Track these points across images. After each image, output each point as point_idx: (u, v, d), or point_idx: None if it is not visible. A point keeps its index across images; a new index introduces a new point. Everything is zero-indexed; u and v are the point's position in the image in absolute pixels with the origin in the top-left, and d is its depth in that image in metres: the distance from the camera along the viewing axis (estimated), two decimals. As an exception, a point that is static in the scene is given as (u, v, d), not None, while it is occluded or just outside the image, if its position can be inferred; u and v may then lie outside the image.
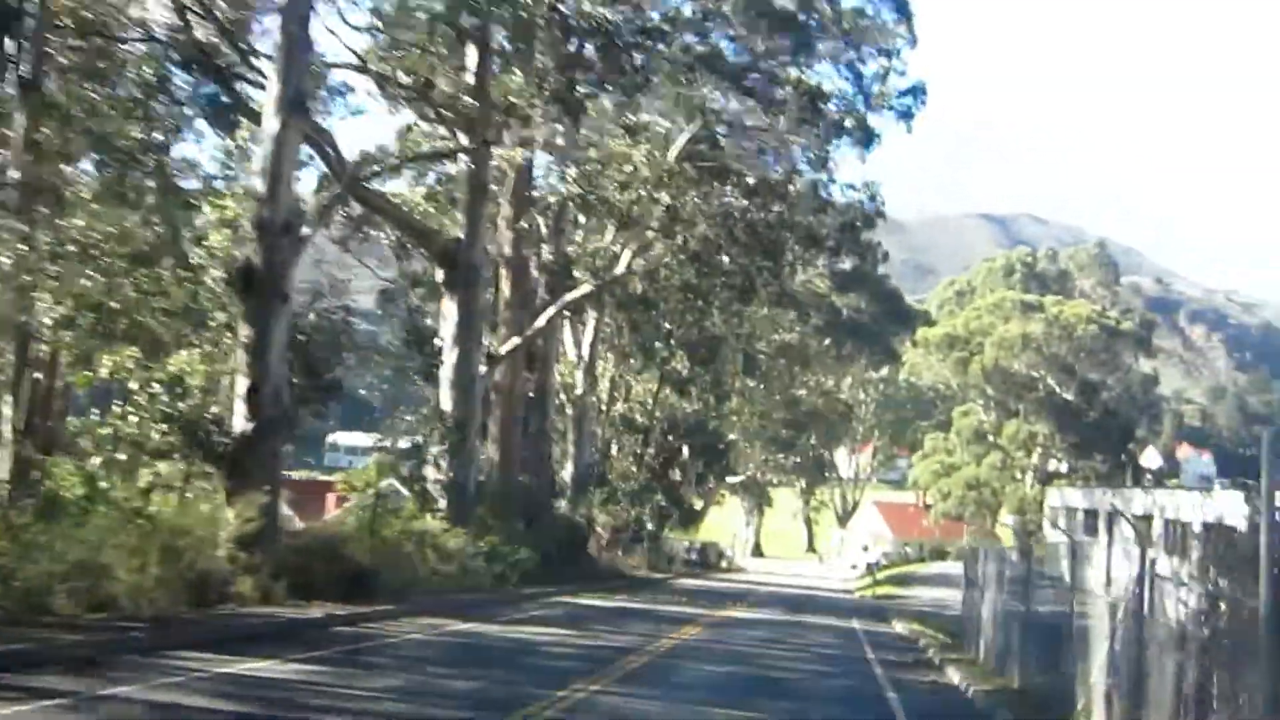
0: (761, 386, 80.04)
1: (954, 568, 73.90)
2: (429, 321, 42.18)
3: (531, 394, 45.88)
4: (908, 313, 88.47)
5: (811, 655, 24.32)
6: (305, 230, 26.17)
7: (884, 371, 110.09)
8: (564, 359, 53.22)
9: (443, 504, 34.88)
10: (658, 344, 54.76)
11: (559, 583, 37.85)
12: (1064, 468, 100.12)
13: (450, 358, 35.98)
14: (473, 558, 33.44)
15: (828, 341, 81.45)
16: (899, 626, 35.06)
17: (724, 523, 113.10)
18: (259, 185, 24.94)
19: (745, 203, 55.39)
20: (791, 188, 52.99)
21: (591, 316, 52.74)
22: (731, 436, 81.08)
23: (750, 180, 56.40)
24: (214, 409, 26.43)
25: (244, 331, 24.68)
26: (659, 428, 60.11)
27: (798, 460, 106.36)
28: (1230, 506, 40.56)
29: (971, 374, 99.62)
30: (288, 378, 25.50)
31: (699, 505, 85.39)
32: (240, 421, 24.25)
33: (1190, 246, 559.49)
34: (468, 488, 35.91)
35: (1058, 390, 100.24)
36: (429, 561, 31.23)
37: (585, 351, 52.56)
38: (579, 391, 51.92)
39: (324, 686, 13.73)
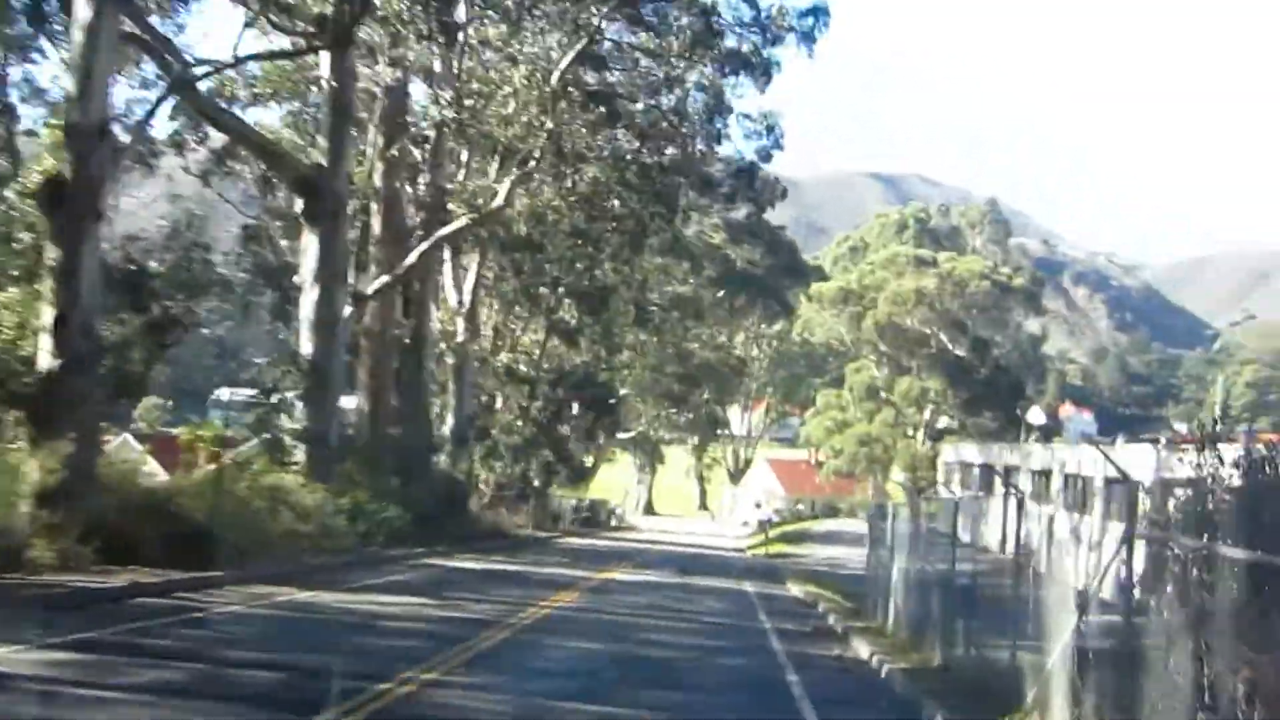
0: (654, 340, 77.27)
1: (847, 525, 71.96)
2: (292, 260, 38.37)
3: (408, 341, 42.45)
4: (802, 267, 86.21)
5: (700, 626, 21.42)
6: (124, 139, 22.42)
7: (777, 327, 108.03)
8: (444, 305, 49.73)
9: (301, 457, 31.49)
10: (544, 289, 51.43)
11: (433, 543, 34.78)
12: (955, 425, 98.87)
13: (310, 296, 32.34)
14: (333, 516, 30.13)
15: (721, 294, 78.89)
16: (795, 589, 32.45)
17: (616, 480, 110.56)
18: (70, 85, 21.30)
19: (637, 144, 52.41)
20: (685, 126, 50.11)
21: (474, 260, 49.27)
22: (623, 391, 78.23)
23: (642, 121, 53.55)
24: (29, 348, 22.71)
25: (51, 253, 21.06)
26: (546, 380, 56.88)
27: (690, 417, 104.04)
28: (1137, 460, 38.44)
29: (865, 330, 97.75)
30: (101, 308, 21.89)
31: (589, 462, 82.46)
32: (46, 358, 20.68)
33: (1074, 209, 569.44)
34: (328, 439, 32.35)
35: (950, 347, 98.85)
36: (282, 521, 27.81)
37: (466, 297, 49.05)
38: (460, 339, 48.44)
39: (65, 683, 10.39)
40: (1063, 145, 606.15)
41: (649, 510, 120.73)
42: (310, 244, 32.48)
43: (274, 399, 28.88)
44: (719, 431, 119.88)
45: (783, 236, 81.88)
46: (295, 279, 33.98)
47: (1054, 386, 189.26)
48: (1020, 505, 20.20)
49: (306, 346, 32.20)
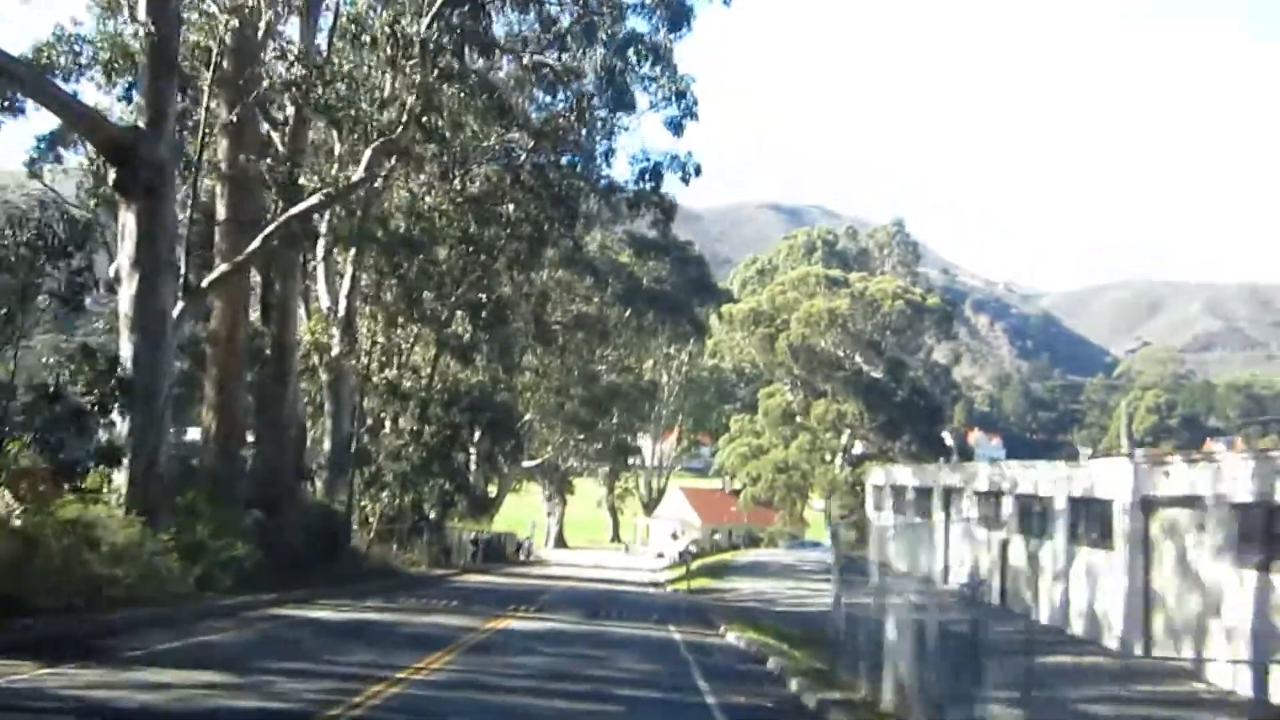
0: (558, 361, 70.93)
1: (769, 555, 65.53)
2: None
3: (269, 351, 35.73)
4: (712, 283, 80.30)
5: (617, 705, 15.04)
6: None
7: (687, 351, 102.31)
8: (317, 313, 43.03)
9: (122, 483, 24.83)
10: (427, 294, 44.89)
11: (298, 586, 28.33)
12: (873, 450, 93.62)
13: (128, 289, 25.65)
14: (160, 556, 23.54)
15: (629, 313, 72.80)
16: (732, 635, 26.05)
17: (524, 512, 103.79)
18: None
19: (531, 144, 46.57)
20: (583, 115, 44.32)
21: (351, 262, 42.65)
22: (527, 416, 71.67)
23: (537, 118, 47.63)
24: None
25: None
26: (438, 401, 50.23)
27: (599, 446, 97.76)
28: (1107, 476, 33.14)
29: (778, 351, 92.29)
30: None
31: (493, 492, 75.67)
32: None
33: (969, 238, 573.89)
34: (156, 463, 25.61)
35: (865, 369, 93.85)
36: (89, 564, 21.18)
37: (342, 304, 42.40)
38: (335, 352, 41.76)
39: None
40: (957, 175, 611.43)
41: (560, 543, 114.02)
42: (127, 223, 25.80)
43: (58, 408, 21.84)
44: (630, 461, 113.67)
45: (691, 251, 76.07)
46: (111, 269, 27.14)
47: (961, 413, 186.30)
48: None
49: (126, 349, 25.50)
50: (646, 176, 52.57)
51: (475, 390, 52.87)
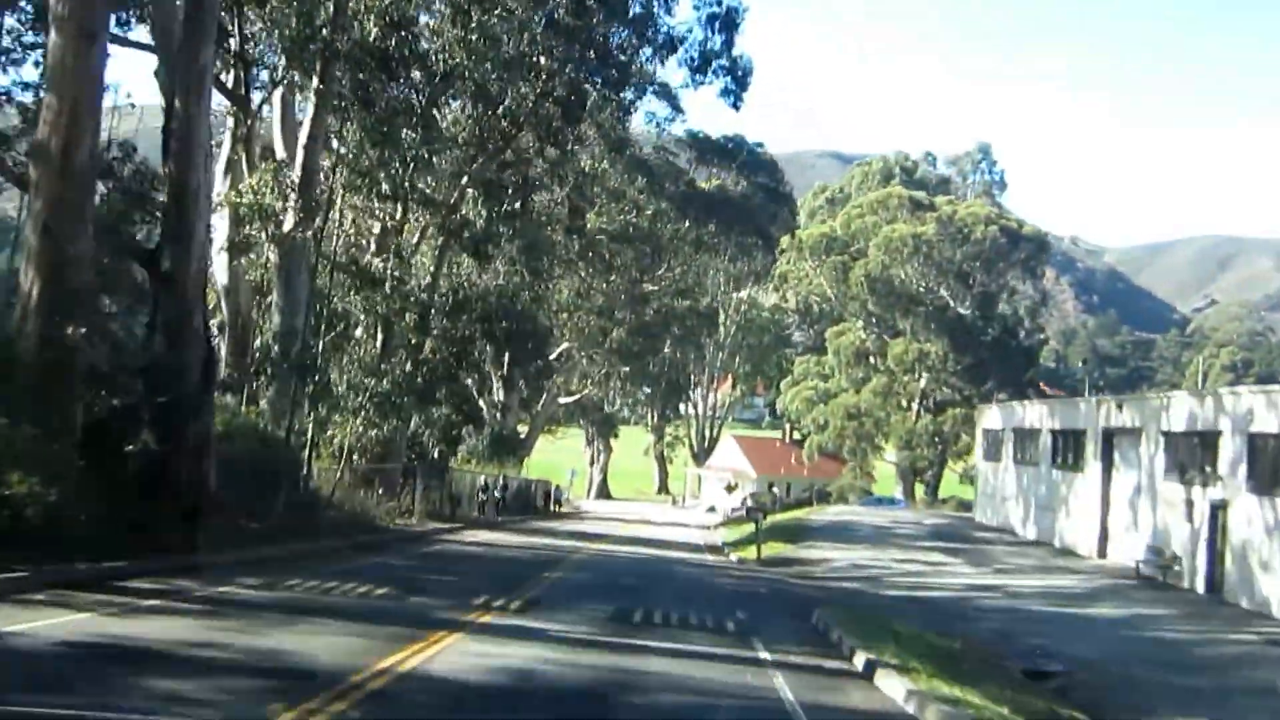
0: (603, 281, 58.60)
1: (850, 513, 52.83)
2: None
3: (164, 199, 23.42)
4: (786, 194, 66.91)
5: None
6: None
7: (749, 287, 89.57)
8: (266, 165, 30.64)
9: None
10: (402, 144, 32.32)
11: (175, 550, 16.90)
12: (954, 397, 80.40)
13: None
14: None
15: (686, 224, 60.14)
16: (891, 683, 12.53)
17: (564, 459, 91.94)
18: None
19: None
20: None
21: (312, 99, 30.20)
22: (564, 345, 59.28)
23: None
24: None
25: None
26: (441, 307, 37.96)
27: (648, 392, 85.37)
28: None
29: (852, 282, 79.15)
30: None
31: (523, 432, 63.39)
32: None
33: (1035, 191, 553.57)
34: None
35: (952, 304, 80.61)
36: None
37: (299, 159, 30.01)
38: (288, 225, 29.44)
39: None
40: (1019, 129, 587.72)
41: (603, 493, 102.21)
42: None
43: None
44: (681, 406, 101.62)
45: (761, 154, 62.99)
46: None
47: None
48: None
49: None
50: (716, 27, 40.01)
51: (493, 296, 40.46)
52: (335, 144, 32.57)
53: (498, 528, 39.86)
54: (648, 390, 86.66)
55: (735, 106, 46.00)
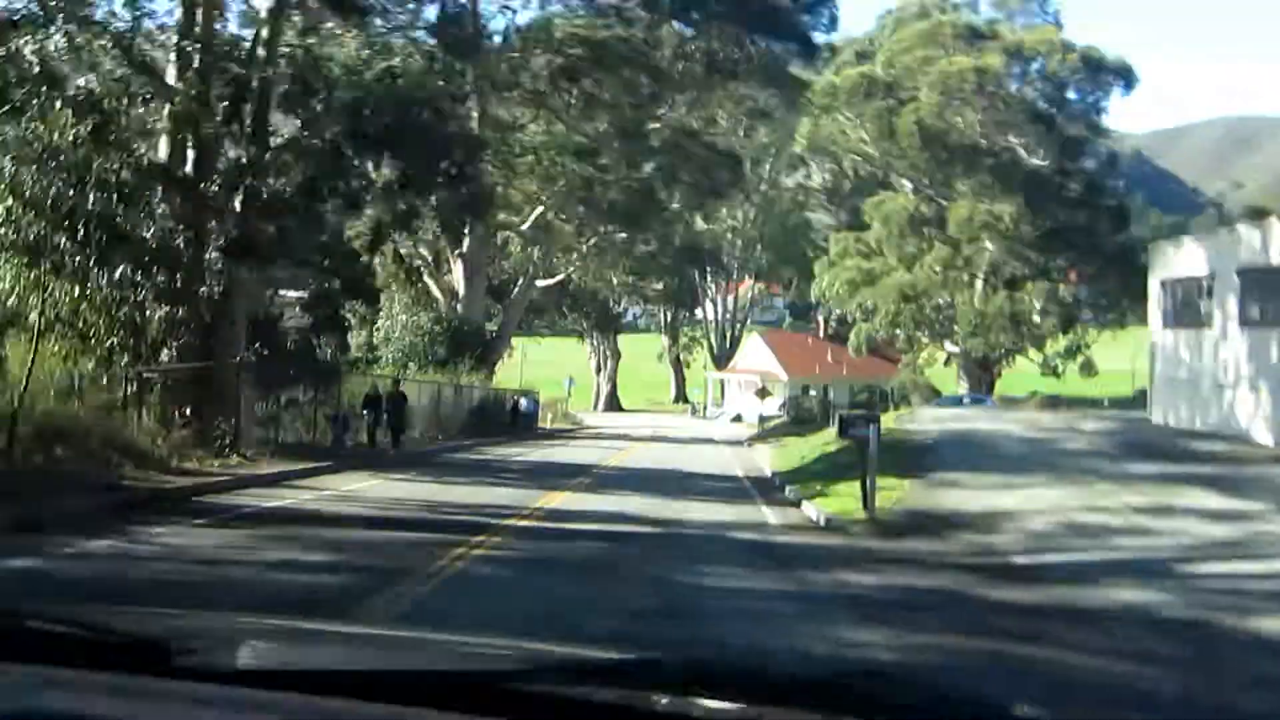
0: (584, 117, 40.98)
1: (955, 419, 32.51)
2: None
3: None
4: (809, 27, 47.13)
5: None
6: None
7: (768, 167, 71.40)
8: None
9: None
10: None
11: None
12: (1030, 272, 62.29)
13: None
14: None
15: (691, 34, 42.09)
16: None
17: (567, 368, 74.86)
18: None
19: None
20: None
21: None
22: (539, 211, 41.55)
23: None
24: None
25: None
26: (291, 81, 20.35)
27: (659, 287, 67.45)
28: None
29: (902, 132, 60.80)
30: None
31: (492, 328, 45.55)
32: None
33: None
34: None
35: (1024, 155, 62.18)
36: None
37: None
38: None
39: None
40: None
41: (612, 405, 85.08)
42: None
43: None
44: (699, 302, 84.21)
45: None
46: None
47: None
48: None
49: None
50: None
51: (371, 77, 22.47)
52: None
53: (380, 468, 22.34)
54: (657, 286, 68.45)
55: None
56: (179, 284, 20.42)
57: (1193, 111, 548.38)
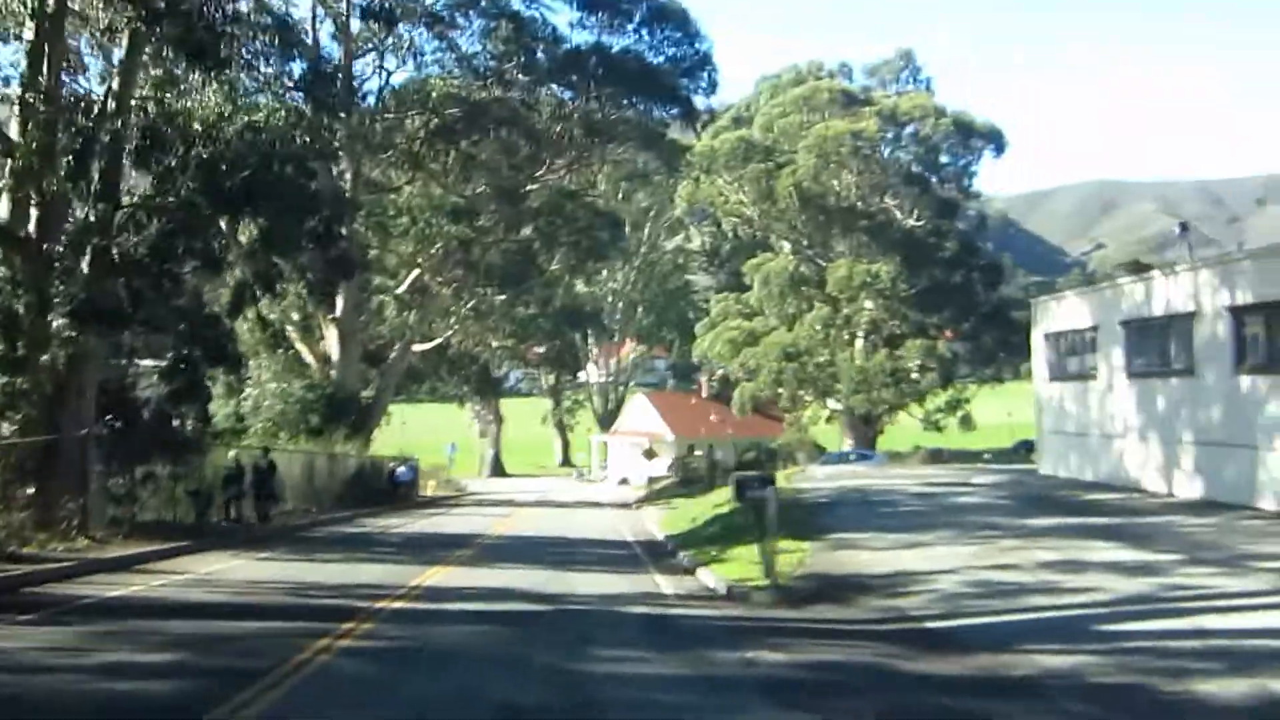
0: (460, 178, 39.91)
1: (848, 475, 33.06)
2: None
3: None
4: (706, 57, 47.15)
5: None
6: None
7: (647, 230, 71.23)
8: None
9: None
10: None
11: None
12: (907, 330, 62.73)
13: None
14: None
15: (567, 95, 41.55)
16: None
17: (449, 434, 73.30)
18: None
19: None
20: None
21: None
22: (414, 274, 40.22)
23: None
24: None
25: None
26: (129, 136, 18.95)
27: (541, 350, 66.24)
28: None
29: (780, 193, 61.13)
30: None
31: (367, 394, 43.82)
32: None
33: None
34: None
35: (899, 216, 62.95)
36: None
37: None
38: None
39: None
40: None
41: (497, 470, 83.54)
42: None
43: None
44: (585, 354, 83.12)
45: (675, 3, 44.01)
46: None
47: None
48: None
49: None
50: None
51: (231, 131, 21.13)
52: None
53: (246, 547, 20.70)
54: (540, 350, 67.25)
55: None
56: (19, 351, 18.76)
57: (1058, 175, 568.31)
